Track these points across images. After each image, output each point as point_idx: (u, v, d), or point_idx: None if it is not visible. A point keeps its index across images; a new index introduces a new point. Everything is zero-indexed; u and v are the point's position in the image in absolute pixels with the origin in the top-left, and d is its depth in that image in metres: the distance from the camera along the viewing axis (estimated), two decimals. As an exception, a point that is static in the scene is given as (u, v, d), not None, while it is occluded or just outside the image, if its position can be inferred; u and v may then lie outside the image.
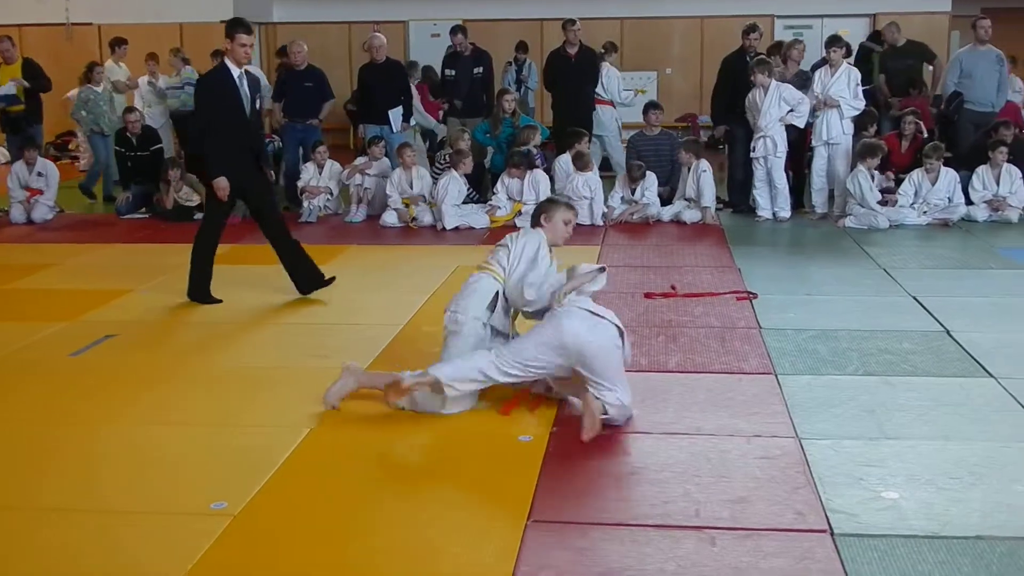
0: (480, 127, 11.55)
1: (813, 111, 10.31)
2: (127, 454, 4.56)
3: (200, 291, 7.19)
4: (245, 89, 6.96)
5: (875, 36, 14.00)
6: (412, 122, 11.91)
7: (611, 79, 12.60)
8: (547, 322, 4.85)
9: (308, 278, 7.31)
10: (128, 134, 11.54)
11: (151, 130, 11.93)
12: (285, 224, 7.48)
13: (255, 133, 7.25)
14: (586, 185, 10.26)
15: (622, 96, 12.77)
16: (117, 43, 14.30)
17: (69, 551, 3.66)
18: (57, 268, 8.63)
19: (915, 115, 11.19)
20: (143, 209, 11.29)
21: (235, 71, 6.92)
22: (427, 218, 10.33)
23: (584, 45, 11.73)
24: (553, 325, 4.77)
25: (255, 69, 7.69)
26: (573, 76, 11.62)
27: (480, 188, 10.90)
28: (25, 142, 11.58)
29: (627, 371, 4.88)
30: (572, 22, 11.56)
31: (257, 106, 7.10)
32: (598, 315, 4.80)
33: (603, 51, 12.72)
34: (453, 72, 12.23)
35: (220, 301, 7.17)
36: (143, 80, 13.67)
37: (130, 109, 11.95)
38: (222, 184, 6.95)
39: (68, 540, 3.75)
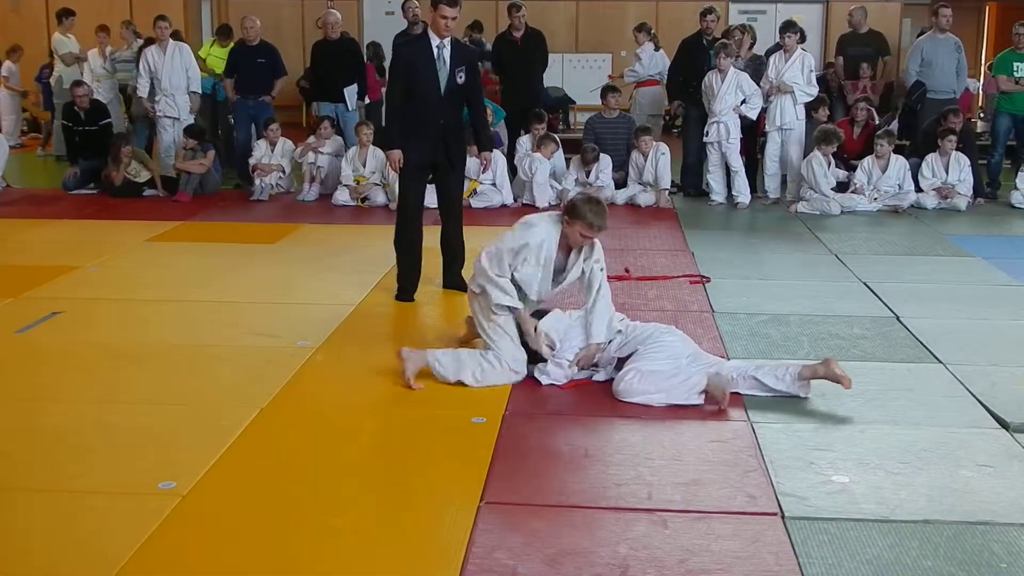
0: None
1: (767, 97, 10.35)
2: (73, 432, 4.48)
3: (407, 293, 6.80)
4: (445, 59, 6.62)
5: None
6: (366, 100, 11.81)
7: (661, 58, 12.14)
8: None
9: (456, 278, 6.93)
10: (76, 108, 11.33)
11: (100, 104, 11.72)
12: (460, 214, 7.09)
13: (457, 107, 6.82)
14: (531, 167, 10.28)
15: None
16: (65, 14, 13.96)
17: (13, 530, 3.60)
18: (2, 244, 8.47)
19: (867, 102, 11.28)
20: (91, 185, 11.10)
21: (435, 41, 6.61)
22: (380, 198, 10.26)
23: (530, 27, 11.67)
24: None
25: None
26: (521, 59, 11.58)
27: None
28: None
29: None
30: (517, 8, 11.49)
31: (459, 80, 6.65)
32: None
33: (653, 34, 12.37)
34: (406, 50, 12.13)
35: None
36: (92, 53, 13.43)
37: (78, 83, 11.72)
38: (395, 157, 6.64)
39: (12, 519, 3.68)
